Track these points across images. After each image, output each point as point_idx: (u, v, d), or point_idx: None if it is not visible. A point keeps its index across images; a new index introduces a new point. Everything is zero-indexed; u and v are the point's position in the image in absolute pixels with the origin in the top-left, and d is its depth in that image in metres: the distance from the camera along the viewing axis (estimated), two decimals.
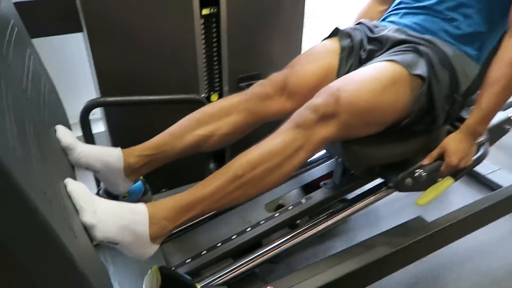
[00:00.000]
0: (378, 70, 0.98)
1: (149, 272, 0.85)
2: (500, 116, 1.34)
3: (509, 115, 1.35)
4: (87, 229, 0.72)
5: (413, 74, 0.97)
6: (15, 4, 0.94)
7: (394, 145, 1.09)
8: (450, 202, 1.67)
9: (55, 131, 0.87)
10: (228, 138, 1.07)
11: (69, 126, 0.98)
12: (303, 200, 1.24)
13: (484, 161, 1.78)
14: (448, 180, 1.12)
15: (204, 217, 1.23)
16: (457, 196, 1.74)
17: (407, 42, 1.05)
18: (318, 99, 0.92)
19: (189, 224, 1.21)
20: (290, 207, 1.22)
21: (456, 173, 1.12)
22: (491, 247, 1.54)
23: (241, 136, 1.11)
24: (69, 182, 0.74)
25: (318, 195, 1.26)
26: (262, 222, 1.19)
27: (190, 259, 1.11)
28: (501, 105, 1.03)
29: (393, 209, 1.65)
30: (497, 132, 1.34)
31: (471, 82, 1.05)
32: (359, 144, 1.04)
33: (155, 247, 0.84)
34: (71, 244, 0.52)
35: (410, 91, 0.98)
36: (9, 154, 0.43)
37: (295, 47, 1.55)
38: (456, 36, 1.06)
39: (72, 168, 0.91)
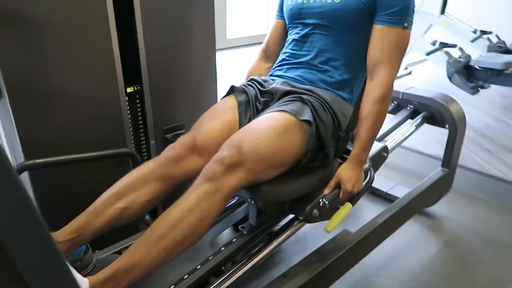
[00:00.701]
0: (272, 120, 1.12)
1: None
2: (377, 146, 1.59)
3: (384, 145, 1.61)
4: None
5: (301, 120, 1.13)
6: None
7: (297, 181, 1.20)
8: (364, 217, 1.89)
9: None
10: (149, 205, 1.11)
11: None
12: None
13: (383, 180, 2.09)
14: (347, 206, 1.27)
15: None
16: (368, 212, 2.00)
17: (293, 93, 1.22)
18: (223, 152, 1.02)
19: None
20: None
21: (352, 199, 1.29)
22: (404, 250, 1.79)
23: (162, 199, 1.16)
24: None
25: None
26: (211, 257, 1.23)
27: None
28: (375, 135, 1.25)
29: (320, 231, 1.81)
30: (379, 159, 1.58)
31: (349, 120, 1.26)
32: (266, 185, 1.13)
33: None
34: None
35: (301, 134, 1.13)
36: None
37: (210, 98, 1.70)
38: (331, 83, 1.27)
39: None
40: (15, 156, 1.34)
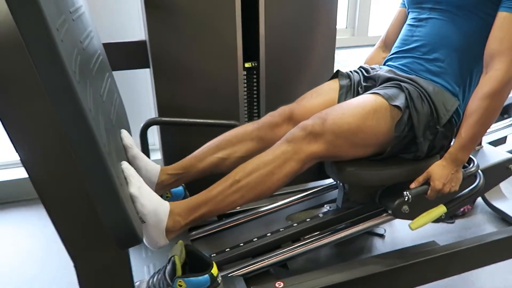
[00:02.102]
0: (362, 101, 1.16)
1: (176, 244, 1.05)
2: (502, 156, 1.42)
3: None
4: (131, 198, 0.95)
5: (392, 104, 1.13)
6: (104, 44, 1.28)
7: (383, 169, 1.21)
8: None
9: (120, 132, 1.15)
10: (243, 161, 1.21)
11: (130, 133, 1.26)
12: (320, 214, 1.39)
13: None
14: (440, 208, 1.20)
15: (232, 222, 1.43)
16: None
17: (393, 80, 1.23)
18: (309, 121, 1.10)
19: (218, 225, 1.42)
20: (308, 220, 1.38)
21: (449, 202, 1.21)
22: None
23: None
24: (124, 163, 0.99)
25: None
26: (281, 229, 1.35)
27: (215, 254, 1.29)
28: (480, 135, 1.15)
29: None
30: (502, 171, 1.41)
31: (453, 116, 1.18)
32: (352, 166, 1.19)
33: (166, 242, 1.03)
34: (120, 188, 0.76)
35: (391, 119, 1.13)
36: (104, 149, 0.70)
37: None
38: (438, 74, 1.21)
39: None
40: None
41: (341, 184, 1.36)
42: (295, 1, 1.59)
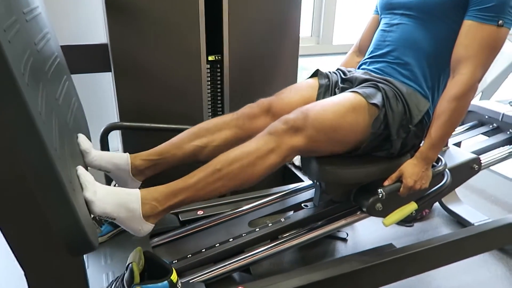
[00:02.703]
0: (342, 98, 1.21)
1: (134, 251, 1.03)
2: (467, 156, 1.49)
3: (477, 156, 1.50)
4: (87, 204, 0.93)
5: (370, 102, 1.18)
6: (61, 46, 1.25)
7: (360, 167, 1.26)
8: None
9: (77, 137, 1.12)
10: (220, 150, 1.18)
11: (89, 137, 1.23)
12: (282, 219, 1.41)
13: (475, 212, 1.88)
14: (412, 205, 1.26)
15: (194, 228, 1.42)
16: None
17: (370, 81, 1.28)
18: (291, 115, 1.13)
19: (180, 232, 1.40)
20: (270, 224, 1.39)
21: (420, 199, 1.27)
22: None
23: (231, 147, 1.25)
24: (79, 167, 0.96)
25: (297, 216, 1.42)
26: (244, 234, 1.36)
27: (176, 261, 1.28)
28: (448, 135, 1.22)
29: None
30: (468, 171, 1.48)
31: (424, 116, 1.24)
32: (330, 164, 1.22)
33: (149, 226, 1.03)
34: (72, 194, 0.74)
35: (368, 116, 1.18)
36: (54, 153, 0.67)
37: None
38: (409, 77, 1.28)
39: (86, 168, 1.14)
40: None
41: (318, 183, 1.39)
42: (258, 5, 1.62)
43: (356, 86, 1.30)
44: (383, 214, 1.26)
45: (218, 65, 1.65)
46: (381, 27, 1.41)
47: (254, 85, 1.75)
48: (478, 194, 2.20)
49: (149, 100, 1.55)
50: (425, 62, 1.27)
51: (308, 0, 2.43)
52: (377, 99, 1.20)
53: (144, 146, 1.56)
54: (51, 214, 0.72)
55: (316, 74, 1.42)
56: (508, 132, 1.71)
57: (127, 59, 1.47)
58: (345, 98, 1.21)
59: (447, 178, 1.32)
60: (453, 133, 1.86)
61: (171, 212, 1.42)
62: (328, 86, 1.37)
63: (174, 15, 1.48)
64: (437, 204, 2.02)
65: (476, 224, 1.88)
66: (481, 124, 1.85)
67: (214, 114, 1.72)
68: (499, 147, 1.67)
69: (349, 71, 1.41)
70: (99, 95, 1.87)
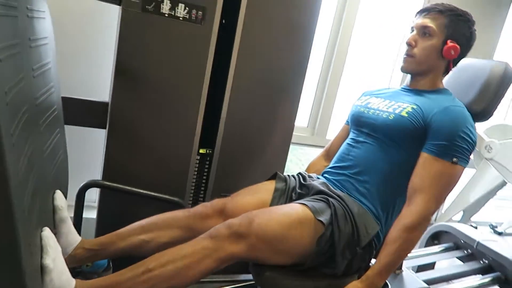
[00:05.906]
0: (290, 209, 1.19)
1: None
2: (419, 285, 1.46)
3: (427, 287, 1.47)
4: (42, 269, 0.89)
5: (317, 219, 1.16)
6: (62, 97, 1.28)
7: (301, 280, 1.20)
8: None
9: (54, 192, 1.11)
10: (165, 247, 1.14)
11: (66, 192, 1.22)
12: None
13: None
14: None
15: None
16: None
17: (324, 193, 1.27)
18: (236, 220, 1.10)
19: None
20: None
21: None
22: None
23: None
24: (46, 230, 0.93)
25: None
26: None
27: None
28: (396, 264, 1.18)
29: None
30: None
31: (373, 239, 1.23)
32: (272, 271, 1.17)
33: None
34: (29, 258, 0.72)
35: (314, 232, 1.15)
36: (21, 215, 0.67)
37: None
38: (365, 195, 1.28)
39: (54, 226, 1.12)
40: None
41: (258, 287, 1.33)
42: (257, 96, 1.70)
43: (311, 195, 1.30)
44: None
45: (208, 158, 1.69)
46: (347, 140, 1.44)
47: (242, 173, 1.77)
48: None
49: (135, 164, 1.56)
50: (383, 183, 1.28)
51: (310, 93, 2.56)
52: (325, 216, 1.17)
53: (120, 207, 1.57)
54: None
55: (274, 177, 1.43)
56: (481, 262, 1.71)
57: (123, 121, 1.50)
58: (293, 209, 1.18)
59: None
60: (427, 253, 1.87)
61: None
62: (284, 191, 1.37)
63: (178, 91, 1.55)
64: None
65: None
66: (456, 247, 1.86)
67: (196, 195, 1.73)
68: (470, 275, 1.66)
69: (309, 177, 1.42)
70: (87, 149, 1.88)
